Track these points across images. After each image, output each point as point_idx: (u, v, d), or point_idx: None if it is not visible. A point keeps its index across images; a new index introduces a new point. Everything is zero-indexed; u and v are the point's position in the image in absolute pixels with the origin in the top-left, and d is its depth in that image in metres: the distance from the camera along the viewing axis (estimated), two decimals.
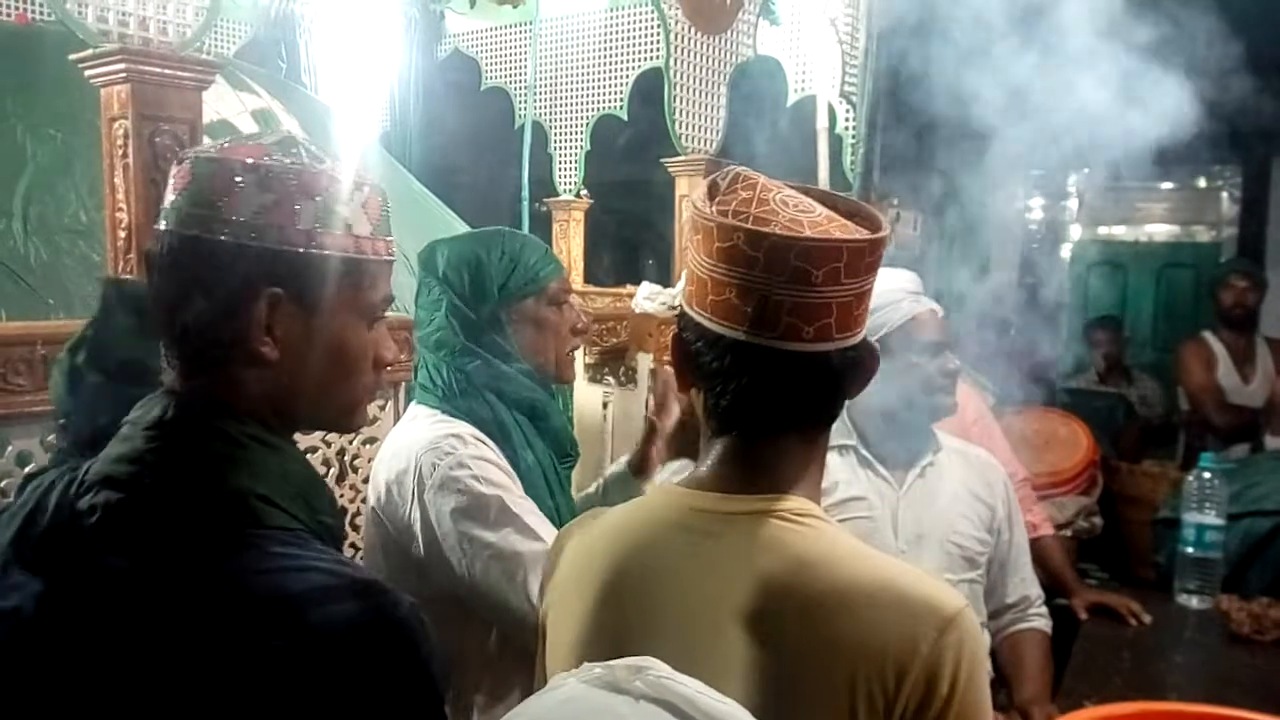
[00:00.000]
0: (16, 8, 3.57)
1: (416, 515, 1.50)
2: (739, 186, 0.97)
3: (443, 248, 1.64)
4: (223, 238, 0.88)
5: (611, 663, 0.73)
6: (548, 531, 1.47)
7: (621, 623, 0.98)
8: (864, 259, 0.93)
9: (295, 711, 0.79)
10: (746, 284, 0.92)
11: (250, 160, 0.90)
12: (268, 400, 0.93)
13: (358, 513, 2.19)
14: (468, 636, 1.55)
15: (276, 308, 0.90)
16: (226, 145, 0.92)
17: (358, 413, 1.02)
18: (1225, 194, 6.43)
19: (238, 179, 0.89)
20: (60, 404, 1.29)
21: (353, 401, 1.00)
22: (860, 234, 0.95)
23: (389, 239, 0.99)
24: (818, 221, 0.93)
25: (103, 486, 0.88)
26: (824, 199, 1.01)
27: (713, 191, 0.99)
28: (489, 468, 1.50)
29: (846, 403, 1.03)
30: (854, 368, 0.98)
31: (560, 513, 1.61)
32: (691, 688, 0.71)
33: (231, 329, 0.89)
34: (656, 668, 0.72)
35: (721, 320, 0.95)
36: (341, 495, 2.20)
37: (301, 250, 0.90)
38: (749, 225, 0.92)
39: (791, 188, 1.00)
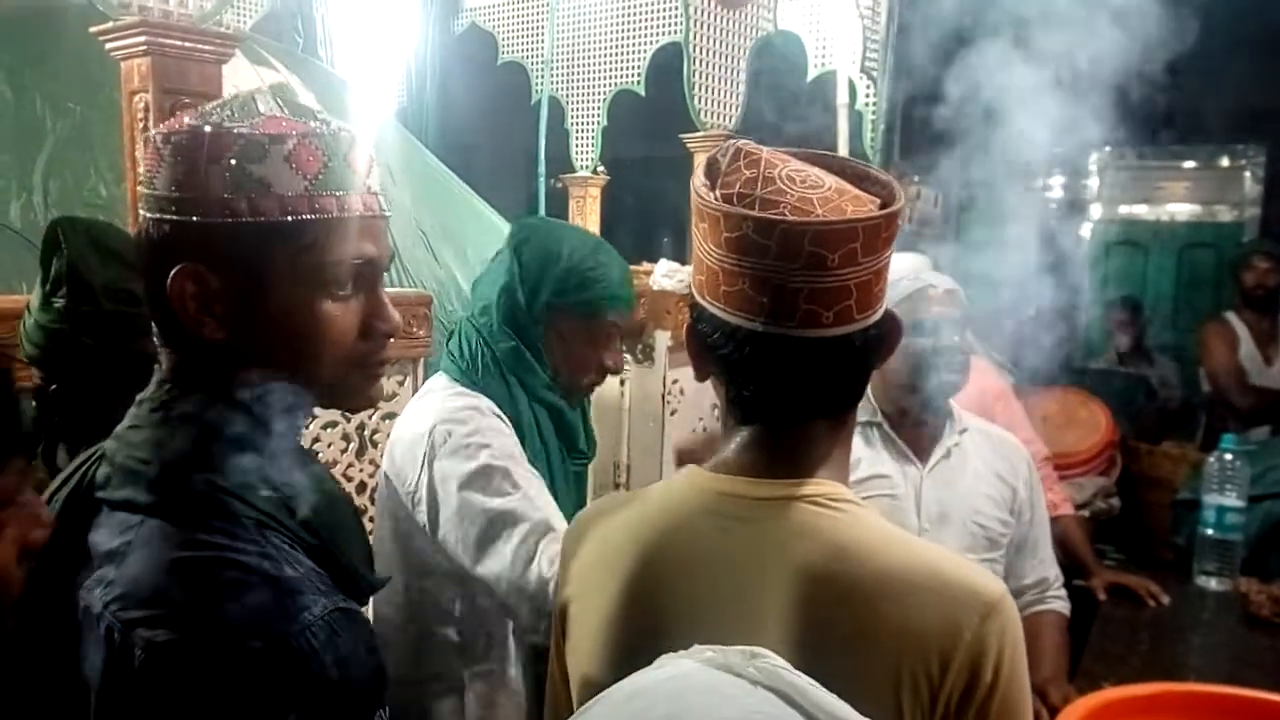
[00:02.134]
0: None
1: (425, 481, 1.50)
2: (741, 164, 0.92)
3: (541, 228, 1.65)
4: (150, 215, 0.85)
5: (723, 647, 0.71)
6: (551, 508, 1.47)
7: (650, 609, 0.96)
8: (880, 235, 0.89)
9: (178, 704, 0.77)
10: (759, 274, 0.88)
11: (166, 132, 0.86)
12: (238, 380, 0.89)
13: (375, 487, 2.20)
14: (466, 606, 1.57)
15: (204, 284, 0.85)
16: (167, 120, 0.90)
17: (354, 389, 0.95)
18: (1248, 173, 6.35)
19: (160, 153, 0.85)
20: (40, 358, 1.29)
21: (338, 376, 0.92)
22: (873, 205, 0.91)
23: (348, 193, 0.89)
24: (829, 198, 0.89)
25: (102, 461, 0.89)
26: (832, 166, 0.96)
27: (713, 171, 0.93)
28: (501, 439, 1.51)
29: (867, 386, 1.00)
30: (878, 342, 0.95)
31: (563, 506, 1.59)
32: (804, 680, 0.69)
33: (172, 310, 0.86)
34: (770, 656, 0.70)
35: (736, 311, 0.90)
36: (361, 470, 2.20)
37: (218, 220, 0.83)
38: (757, 212, 0.87)
39: (797, 157, 0.95)
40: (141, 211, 0.87)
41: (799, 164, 0.93)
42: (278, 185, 0.84)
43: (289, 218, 0.85)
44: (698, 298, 0.96)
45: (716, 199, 0.91)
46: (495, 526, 1.44)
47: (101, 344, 1.25)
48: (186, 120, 0.87)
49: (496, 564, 1.44)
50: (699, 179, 0.94)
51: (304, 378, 0.91)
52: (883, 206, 0.91)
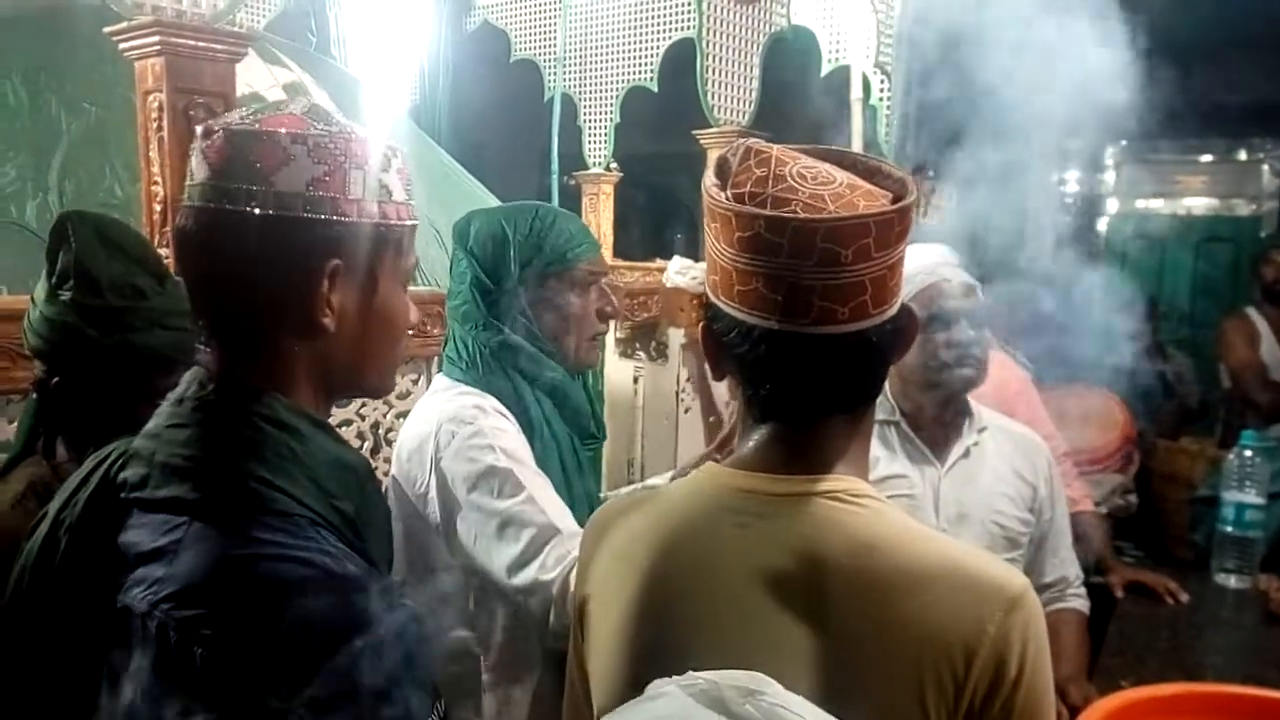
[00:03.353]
0: None
1: (433, 482, 1.51)
2: (752, 163, 0.92)
3: (476, 220, 1.63)
4: (274, 212, 0.86)
5: (718, 676, 0.69)
6: (557, 510, 1.47)
7: (669, 606, 0.96)
8: (893, 229, 0.89)
9: (244, 702, 0.78)
10: (773, 272, 0.88)
11: (297, 131, 0.88)
12: (312, 374, 0.93)
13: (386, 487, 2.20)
14: (481, 609, 1.57)
15: (335, 280, 0.90)
16: (259, 116, 0.89)
17: (393, 377, 1.04)
18: (1266, 166, 6.30)
19: (285, 151, 0.87)
20: (44, 350, 1.29)
21: (393, 366, 1.01)
22: (885, 200, 0.90)
23: (413, 203, 0.99)
24: (840, 194, 0.88)
25: (131, 460, 0.89)
26: (843, 161, 0.96)
27: (724, 171, 0.94)
28: (506, 438, 1.51)
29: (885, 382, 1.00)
30: (895, 337, 0.94)
31: (576, 493, 1.60)
32: (807, 716, 0.66)
33: (291, 304, 0.89)
34: (769, 691, 0.67)
35: (751, 310, 0.91)
36: (376, 468, 2.20)
37: (354, 220, 0.90)
38: (769, 211, 0.87)
39: (808, 154, 0.95)
40: (239, 208, 0.87)
41: (810, 161, 0.93)
42: (394, 192, 0.94)
43: (399, 222, 0.94)
44: (712, 297, 0.96)
45: (728, 199, 0.90)
46: (503, 529, 1.44)
47: (107, 337, 1.26)
48: (308, 126, 0.88)
49: (504, 566, 1.44)
50: (710, 179, 0.94)
51: (375, 365, 0.98)
52: (895, 201, 0.91)
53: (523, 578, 1.42)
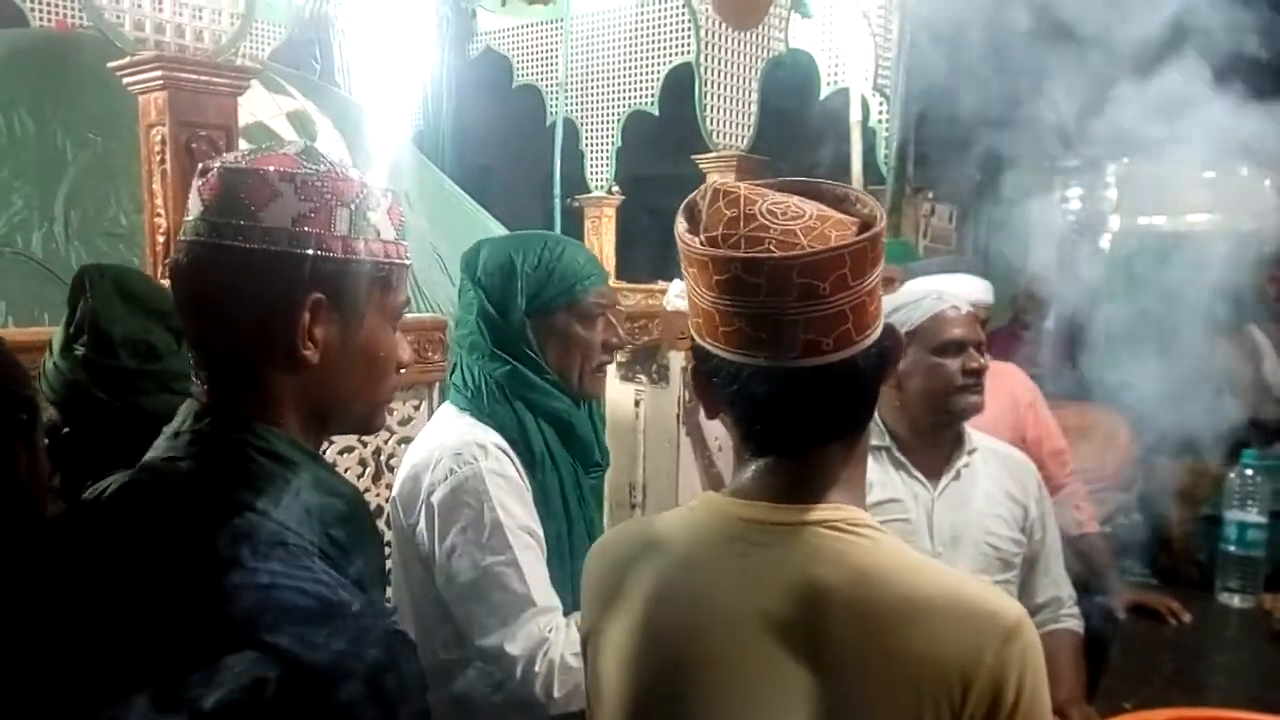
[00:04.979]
0: (57, 14, 3.64)
1: (423, 514, 1.51)
2: (721, 204, 0.93)
3: (484, 249, 1.63)
4: (261, 246, 0.88)
5: None
6: (537, 581, 1.47)
7: (670, 638, 0.97)
8: (867, 256, 0.90)
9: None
10: (755, 311, 0.89)
11: (286, 169, 0.90)
12: (299, 407, 0.94)
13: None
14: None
15: (318, 313, 0.90)
16: (253, 155, 0.92)
17: (382, 414, 1.04)
18: (1268, 181, 6.29)
19: (273, 188, 0.89)
20: (56, 401, 1.29)
21: (380, 403, 1.01)
22: (854, 228, 0.91)
23: (406, 243, 1.00)
24: (812, 227, 0.89)
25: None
26: (810, 191, 0.97)
27: (694, 215, 0.95)
28: (501, 485, 1.50)
29: (877, 404, 1.01)
30: (881, 359, 0.95)
31: (575, 525, 1.60)
32: None
33: (275, 336, 0.90)
34: None
35: (737, 350, 0.91)
36: (377, 495, 2.21)
37: (339, 256, 0.91)
38: (743, 253, 0.88)
39: (775, 188, 0.96)
40: (229, 242, 0.89)
41: (778, 196, 0.94)
42: (383, 231, 0.95)
43: (388, 260, 0.96)
44: (698, 340, 0.97)
45: (701, 243, 0.92)
46: (476, 584, 1.45)
47: (115, 399, 1.26)
48: (297, 165, 0.91)
49: (473, 622, 1.46)
50: (681, 225, 0.95)
51: (361, 401, 0.98)
52: (864, 227, 0.92)
53: (489, 641, 1.43)
